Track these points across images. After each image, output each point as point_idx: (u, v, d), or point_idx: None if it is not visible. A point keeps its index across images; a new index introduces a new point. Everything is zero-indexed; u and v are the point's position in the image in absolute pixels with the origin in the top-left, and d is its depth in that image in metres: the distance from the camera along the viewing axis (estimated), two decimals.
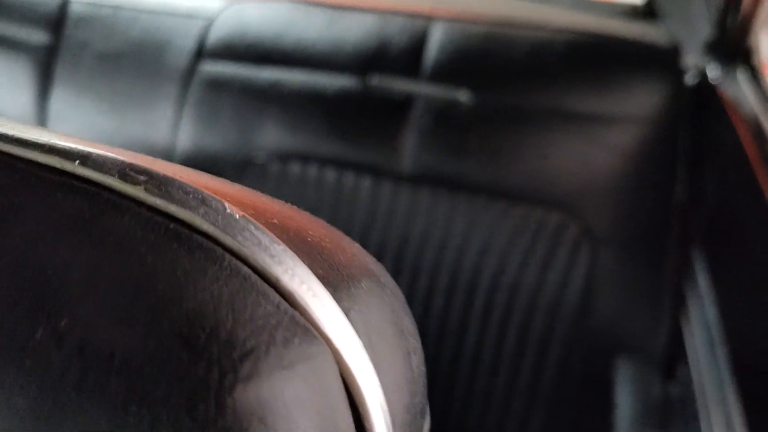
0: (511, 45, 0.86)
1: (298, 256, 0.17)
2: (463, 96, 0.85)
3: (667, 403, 0.76)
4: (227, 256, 0.16)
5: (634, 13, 1.03)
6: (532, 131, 0.85)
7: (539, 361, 0.84)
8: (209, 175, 0.21)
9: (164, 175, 0.18)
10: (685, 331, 0.76)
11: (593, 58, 0.86)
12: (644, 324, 0.83)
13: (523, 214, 0.84)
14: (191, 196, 0.17)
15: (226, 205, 0.17)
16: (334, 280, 0.18)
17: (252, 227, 0.17)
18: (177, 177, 0.18)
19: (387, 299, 0.20)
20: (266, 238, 0.17)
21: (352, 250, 0.21)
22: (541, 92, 0.85)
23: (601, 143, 0.83)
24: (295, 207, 0.22)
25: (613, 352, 0.83)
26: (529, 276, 0.84)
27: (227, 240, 0.17)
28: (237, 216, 0.17)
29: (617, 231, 0.84)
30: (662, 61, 0.85)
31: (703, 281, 0.73)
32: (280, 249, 0.17)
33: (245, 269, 0.16)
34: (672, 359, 0.80)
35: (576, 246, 0.83)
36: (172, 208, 0.17)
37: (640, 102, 0.84)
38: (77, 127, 0.96)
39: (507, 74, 0.86)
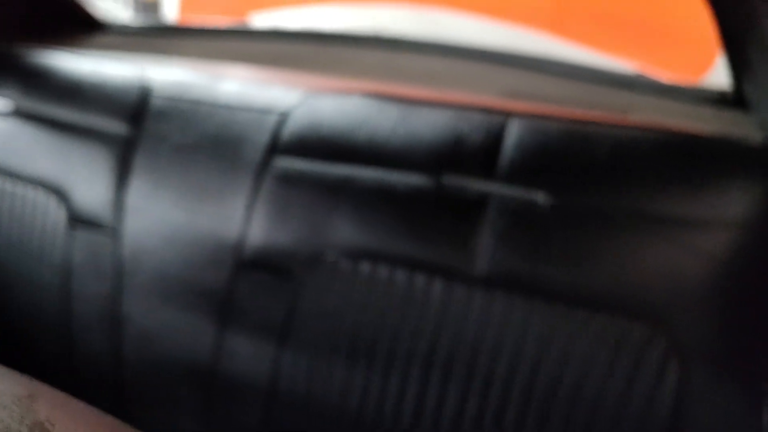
0: (592, 143, 0.83)
1: None
2: (540, 197, 0.82)
3: None
4: None
5: (722, 100, 0.98)
6: (615, 235, 0.80)
7: None
8: None
9: None
10: None
11: (681, 158, 0.81)
12: None
13: (604, 324, 0.79)
14: None
15: None
16: None
17: None
18: None
19: None
20: None
21: None
22: (625, 194, 0.81)
23: (690, 249, 0.78)
24: None
25: None
26: (611, 392, 0.78)
27: None
28: None
29: (710, 347, 0.78)
30: (756, 159, 0.80)
31: None
32: None
33: None
34: None
35: (663, 361, 0.77)
36: None
37: (733, 204, 0.78)
38: (152, 219, 0.98)
39: (588, 174, 0.83)
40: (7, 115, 1.09)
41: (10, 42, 1.20)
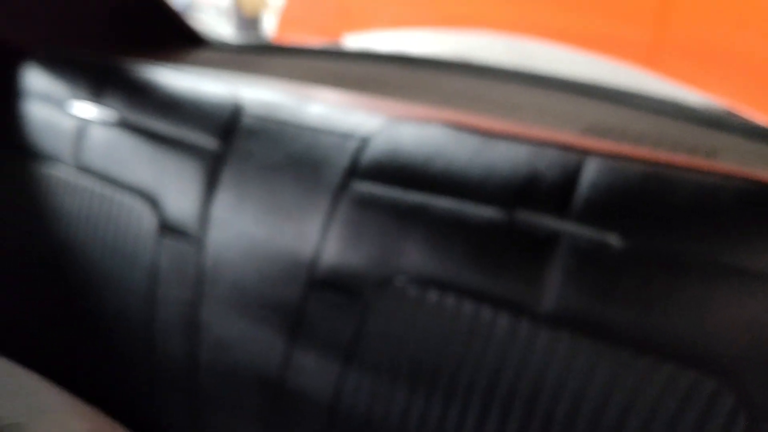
0: (672, 188, 0.81)
1: None
2: (613, 238, 0.81)
3: None
4: None
5: None
6: (690, 284, 0.78)
7: None
8: None
9: None
10: None
11: (765, 210, 0.79)
12: None
13: (672, 373, 0.77)
14: None
15: None
16: None
17: None
18: None
19: None
20: None
21: None
22: (703, 242, 0.79)
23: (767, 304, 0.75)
24: None
25: None
26: None
27: None
28: None
29: None
30: None
31: None
32: None
33: None
34: None
35: (732, 417, 0.75)
36: None
37: None
38: (234, 232, 1.03)
39: (665, 220, 0.81)
40: (111, 124, 1.18)
41: (116, 56, 1.30)
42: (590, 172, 0.84)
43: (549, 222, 0.84)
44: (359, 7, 2.95)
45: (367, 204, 0.94)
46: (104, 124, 1.19)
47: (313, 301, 0.97)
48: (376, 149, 0.97)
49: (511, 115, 1.12)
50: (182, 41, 1.61)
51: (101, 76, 1.24)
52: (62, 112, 1.24)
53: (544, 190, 0.86)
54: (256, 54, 1.62)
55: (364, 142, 0.98)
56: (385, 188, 0.94)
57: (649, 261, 0.80)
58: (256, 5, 4.30)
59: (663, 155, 0.86)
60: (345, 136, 0.99)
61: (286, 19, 3.35)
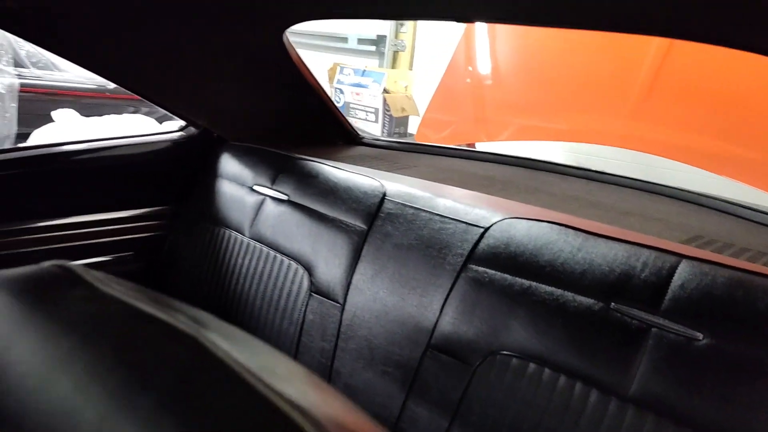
0: (758, 295, 0.90)
1: None
2: (700, 336, 0.90)
3: None
4: None
5: None
6: None
7: None
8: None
9: None
10: None
11: None
12: None
13: None
14: None
15: None
16: None
17: None
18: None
19: None
20: None
21: None
22: None
23: None
24: None
25: None
26: None
27: None
28: None
29: None
30: None
31: None
32: None
33: None
34: None
35: None
36: None
37: None
38: (369, 298, 1.24)
39: (750, 323, 0.89)
40: (281, 202, 1.47)
41: (290, 149, 1.61)
42: (682, 274, 0.95)
43: (641, 315, 0.95)
44: (497, 119, 3.21)
45: (481, 285, 1.11)
46: (276, 201, 1.48)
47: (429, 362, 1.13)
48: (492, 239, 1.14)
49: (620, 220, 1.26)
50: (341, 138, 1.93)
51: (277, 165, 1.54)
52: (246, 190, 1.56)
53: (639, 287, 0.97)
54: (400, 151, 1.89)
55: (484, 232, 1.16)
56: (497, 273, 1.10)
57: (731, 360, 0.88)
58: (403, 108, 4.75)
59: (749, 265, 0.95)
60: (468, 226, 1.18)
61: (428, 122, 3.70)
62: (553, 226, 1.10)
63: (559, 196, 1.46)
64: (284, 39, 1.39)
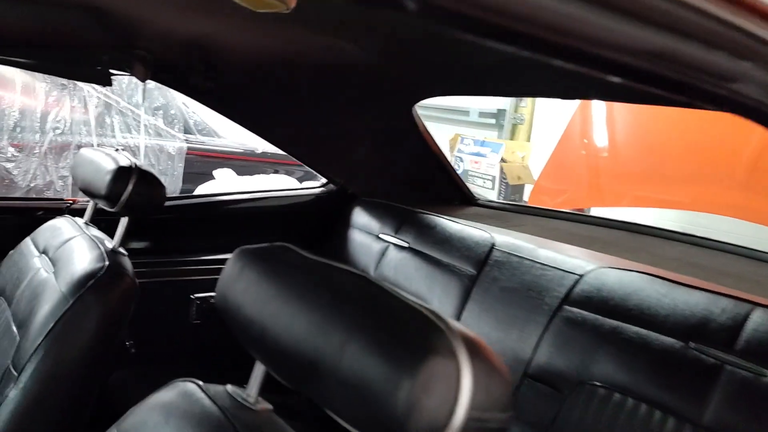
0: None
1: None
2: None
3: None
4: None
5: None
6: None
7: None
8: None
9: None
10: None
11: None
12: None
13: None
14: None
15: None
16: None
17: None
18: None
19: None
20: None
21: None
22: None
23: None
24: None
25: None
26: None
27: None
28: None
29: None
30: None
31: None
32: None
33: None
34: None
35: None
36: None
37: None
38: (474, 332, 1.42)
39: None
40: (403, 249, 1.71)
41: (413, 205, 1.87)
42: (756, 320, 1.07)
43: (717, 354, 1.08)
44: (609, 188, 3.32)
45: (574, 324, 1.27)
46: (398, 248, 1.72)
47: (525, 388, 1.29)
48: (586, 285, 1.30)
49: (715, 279, 1.37)
50: (458, 198, 2.16)
51: (401, 217, 1.80)
52: (373, 237, 1.82)
53: (715, 330, 1.10)
54: (511, 212, 2.08)
55: (579, 279, 1.32)
56: (589, 314, 1.26)
57: None
58: (519, 177, 4.93)
59: None
60: (565, 273, 1.35)
61: (539, 189, 3.86)
62: (643, 275, 1.25)
63: (659, 256, 1.58)
64: (413, 112, 1.67)
